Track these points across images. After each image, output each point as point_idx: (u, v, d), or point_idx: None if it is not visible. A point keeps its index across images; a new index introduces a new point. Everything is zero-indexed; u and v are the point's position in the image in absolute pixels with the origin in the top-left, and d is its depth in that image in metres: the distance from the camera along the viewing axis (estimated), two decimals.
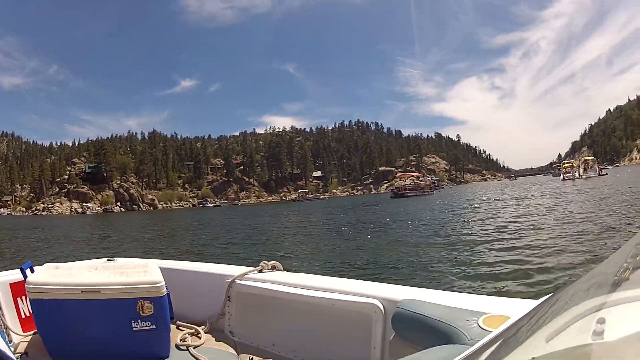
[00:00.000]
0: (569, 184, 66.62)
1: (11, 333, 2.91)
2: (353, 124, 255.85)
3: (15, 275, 3.15)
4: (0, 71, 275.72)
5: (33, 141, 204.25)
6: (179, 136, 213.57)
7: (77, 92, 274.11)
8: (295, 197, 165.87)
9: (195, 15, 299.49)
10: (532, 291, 8.17)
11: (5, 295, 3.09)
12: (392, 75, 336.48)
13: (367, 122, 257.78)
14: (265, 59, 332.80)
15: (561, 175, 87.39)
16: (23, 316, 3.11)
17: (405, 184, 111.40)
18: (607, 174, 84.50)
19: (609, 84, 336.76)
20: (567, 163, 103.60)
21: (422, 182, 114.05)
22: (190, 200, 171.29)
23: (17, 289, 3.13)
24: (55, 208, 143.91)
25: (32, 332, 2.92)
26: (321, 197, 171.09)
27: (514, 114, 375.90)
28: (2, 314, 2.94)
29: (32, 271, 2.81)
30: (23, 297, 3.14)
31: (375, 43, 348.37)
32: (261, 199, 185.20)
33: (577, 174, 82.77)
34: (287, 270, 3.22)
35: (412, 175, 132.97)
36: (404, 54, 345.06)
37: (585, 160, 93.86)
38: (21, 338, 2.92)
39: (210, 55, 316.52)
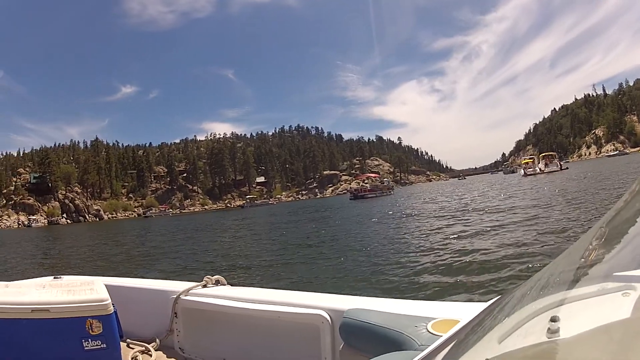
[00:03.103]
0: (530, 179, 64.53)
1: None
2: (293, 128, 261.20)
3: None
4: None
5: None
6: (120, 144, 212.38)
7: (20, 100, 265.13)
8: (243, 204, 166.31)
9: (136, 19, 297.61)
10: (481, 294, 8.19)
11: None
12: (331, 80, 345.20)
13: (307, 127, 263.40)
14: (205, 64, 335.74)
15: (522, 171, 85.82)
16: None
17: (363, 186, 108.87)
18: (568, 168, 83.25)
19: (552, 85, 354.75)
20: (527, 159, 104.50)
21: (382, 183, 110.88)
22: (135, 210, 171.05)
23: None
24: (3, 221, 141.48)
25: None
26: (269, 202, 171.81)
27: (453, 116, 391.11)
28: None
29: None
30: None
31: (314, 48, 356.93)
32: (206, 207, 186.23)
33: (537, 169, 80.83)
34: (231, 284, 3.36)
35: (370, 176, 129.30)
36: (343, 59, 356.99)
37: (545, 155, 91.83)
38: None
39: (150, 60, 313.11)
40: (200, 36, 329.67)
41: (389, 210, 38.58)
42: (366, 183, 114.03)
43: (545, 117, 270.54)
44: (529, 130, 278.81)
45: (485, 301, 1.26)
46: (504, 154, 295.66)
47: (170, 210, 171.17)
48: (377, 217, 32.06)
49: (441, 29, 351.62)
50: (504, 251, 11.89)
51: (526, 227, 15.58)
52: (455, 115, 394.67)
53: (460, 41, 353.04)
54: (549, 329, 0.72)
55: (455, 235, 16.14)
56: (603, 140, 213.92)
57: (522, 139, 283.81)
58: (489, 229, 16.63)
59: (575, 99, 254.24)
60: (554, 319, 0.73)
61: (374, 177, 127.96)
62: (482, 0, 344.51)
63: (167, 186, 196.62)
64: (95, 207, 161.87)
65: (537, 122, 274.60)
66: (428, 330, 1.76)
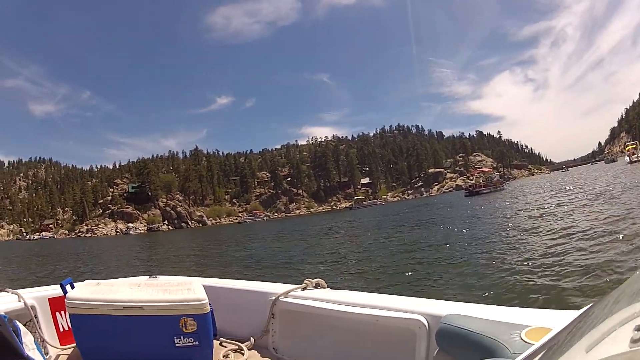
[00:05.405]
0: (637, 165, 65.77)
1: (48, 346, 3.04)
2: (394, 128, 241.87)
3: (54, 290, 3.28)
4: (30, 99, 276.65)
5: (72, 165, 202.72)
6: (220, 153, 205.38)
7: (111, 116, 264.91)
8: (351, 205, 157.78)
9: (222, 32, 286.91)
10: (579, 300, 7.99)
11: (43, 309, 3.19)
12: (426, 77, 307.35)
13: (407, 126, 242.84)
14: (298, 70, 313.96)
15: (627, 158, 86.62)
16: (61, 330, 3.23)
17: (468, 182, 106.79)
18: None
19: (637, 65, 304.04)
20: (630, 145, 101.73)
21: (494, 178, 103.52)
22: (240, 215, 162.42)
23: (56, 304, 3.26)
24: (100, 229, 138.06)
25: (70, 345, 3.08)
26: (378, 202, 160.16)
27: (548, 105, 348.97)
28: (39, 328, 3.07)
29: (73, 287, 2.92)
30: (62, 312, 3.24)
31: (404, 45, 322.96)
32: (311, 210, 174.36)
33: None
34: (331, 288, 3.21)
35: (484, 171, 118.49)
36: (435, 54, 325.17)
37: None
38: (58, 351, 3.08)
39: (242, 70, 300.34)
40: (290, 43, 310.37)
41: (507, 205, 38.99)
42: (471, 179, 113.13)
43: (635, 100, 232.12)
44: (621, 116, 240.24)
45: (579, 309, 1.19)
46: (599, 143, 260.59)
47: (267, 215, 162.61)
48: (498, 214, 31.30)
49: (524, 14, 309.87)
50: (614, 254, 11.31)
51: None
52: (550, 104, 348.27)
53: (545, 26, 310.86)
54: (631, 338, 0.69)
55: (569, 236, 15.35)
56: None
57: (616, 126, 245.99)
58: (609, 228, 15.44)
59: None
60: (638, 328, 0.69)
61: (488, 171, 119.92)
62: None
63: (272, 191, 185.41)
64: (199, 214, 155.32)
65: (628, 107, 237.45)
66: (521, 338, 1.74)
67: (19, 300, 3.09)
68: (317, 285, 3.17)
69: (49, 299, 3.23)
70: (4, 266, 32.11)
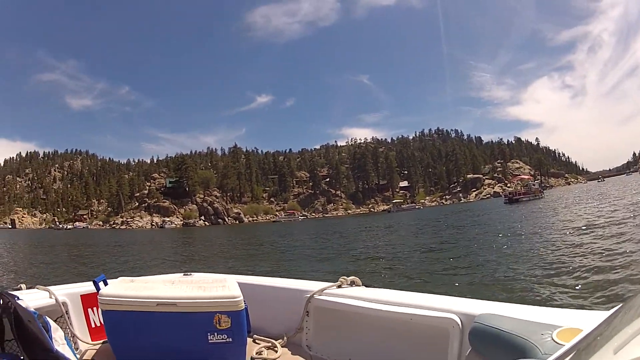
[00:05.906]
0: None
1: (78, 341, 3.07)
2: (433, 132, 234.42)
3: (87, 287, 3.33)
4: (68, 93, 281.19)
5: (109, 158, 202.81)
6: (260, 151, 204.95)
7: (151, 112, 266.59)
8: (389, 208, 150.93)
9: (262, 31, 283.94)
10: (609, 302, 8.01)
11: (75, 305, 3.21)
12: (466, 81, 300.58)
13: (446, 130, 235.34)
14: (338, 71, 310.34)
15: None
16: (93, 326, 3.25)
17: (506, 189, 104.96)
18: None
19: None
20: None
21: (527, 186, 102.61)
22: (277, 214, 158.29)
23: (88, 300, 3.29)
24: (135, 222, 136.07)
25: (101, 341, 3.11)
26: (416, 206, 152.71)
27: (586, 113, 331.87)
28: (70, 323, 3.08)
29: (106, 284, 2.97)
30: (94, 308, 3.27)
31: (444, 48, 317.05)
32: (349, 211, 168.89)
33: None
34: (366, 286, 3.18)
35: (523, 178, 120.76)
36: (475, 58, 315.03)
37: None
38: (89, 346, 3.09)
39: (282, 70, 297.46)
40: (330, 44, 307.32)
41: (548, 213, 38.23)
42: (509, 187, 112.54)
43: None
44: None
45: (610, 309, 1.12)
46: (634, 154, 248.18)
47: (304, 215, 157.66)
48: (540, 221, 30.79)
49: (561, 19, 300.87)
50: None
51: None
52: (588, 112, 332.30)
53: (582, 31, 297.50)
54: None
55: (604, 241, 15.66)
56: None
57: None
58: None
59: None
60: None
61: (527, 178, 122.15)
62: None
63: (310, 190, 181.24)
64: (236, 211, 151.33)
65: None
66: (553, 339, 1.71)
67: (50, 297, 3.09)
68: (353, 283, 3.16)
69: (81, 295, 3.27)
70: (34, 260, 30.61)
